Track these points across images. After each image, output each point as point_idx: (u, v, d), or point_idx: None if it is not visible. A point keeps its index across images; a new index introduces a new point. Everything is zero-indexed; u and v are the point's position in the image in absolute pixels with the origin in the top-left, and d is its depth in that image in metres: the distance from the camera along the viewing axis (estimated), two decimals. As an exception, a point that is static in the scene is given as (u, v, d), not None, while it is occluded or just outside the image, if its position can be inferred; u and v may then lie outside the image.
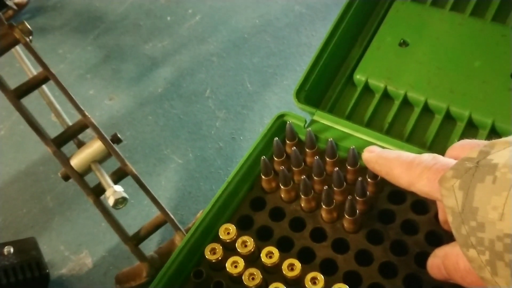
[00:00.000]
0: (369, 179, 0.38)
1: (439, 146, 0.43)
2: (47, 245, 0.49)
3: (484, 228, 0.27)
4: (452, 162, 0.31)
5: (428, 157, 0.32)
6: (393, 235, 0.37)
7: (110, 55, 0.62)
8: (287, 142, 0.42)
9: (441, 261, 0.32)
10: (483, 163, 0.28)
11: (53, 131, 0.47)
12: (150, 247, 0.47)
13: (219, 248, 0.37)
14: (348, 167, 0.39)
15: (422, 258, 0.35)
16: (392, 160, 0.34)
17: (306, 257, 0.37)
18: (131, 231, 0.45)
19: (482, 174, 0.28)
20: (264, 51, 0.59)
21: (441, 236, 0.36)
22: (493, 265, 0.27)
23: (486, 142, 0.31)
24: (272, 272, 0.37)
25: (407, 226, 0.37)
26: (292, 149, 0.40)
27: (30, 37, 0.46)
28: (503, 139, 0.29)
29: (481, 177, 0.28)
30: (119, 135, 0.45)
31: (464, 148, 0.33)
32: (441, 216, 0.36)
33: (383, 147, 0.38)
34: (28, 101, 0.46)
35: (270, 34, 0.61)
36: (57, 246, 0.49)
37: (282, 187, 0.39)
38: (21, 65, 0.51)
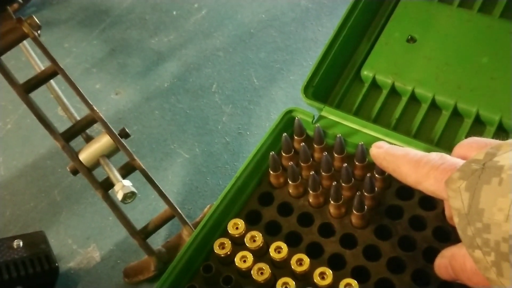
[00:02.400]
0: (376, 175, 0.39)
1: (446, 142, 0.43)
2: (54, 238, 0.49)
3: (490, 230, 0.27)
4: (460, 162, 0.31)
5: (436, 157, 0.33)
6: (401, 231, 0.37)
7: (116, 49, 0.62)
8: (295, 137, 0.42)
9: (448, 261, 0.32)
10: (489, 165, 0.29)
11: (59, 126, 0.47)
12: (157, 241, 0.47)
13: (228, 243, 0.38)
14: (356, 163, 0.40)
15: (430, 254, 0.35)
16: (399, 158, 0.34)
17: (315, 252, 0.37)
18: (138, 225, 0.45)
19: (488, 176, 0.28)
20: (270, 46, 0.59)
21: (449, 232, 0.36)
22: (499, 266, 0.27)
23: (493, 141, 0.31)
24: (280, 267, 0.37)
25: (415, 222, 0.38)
26: (301, 144, 0.40)
27: (39, 31, 0.46)
28: (510, 140, 0.29)
29: (487, 179, 0.28)
30: (127, 130, 0.45)
31: (472, 146, 0.33)
32: (447, 213, 0.36)
33: (390, 143, 0.38)
34: (34, 95, 0.46)
35: (276, 29, 0.61)
36: (65, 239, 0.49)
37: (290, 182, 0.39)
38: (27, 59, 0.51)
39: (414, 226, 0.37)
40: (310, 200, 0.39)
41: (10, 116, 0.58)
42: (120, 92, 0.59)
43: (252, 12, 0.62)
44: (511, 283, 0.27)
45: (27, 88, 0.45)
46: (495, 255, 0.27)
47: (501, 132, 0.42)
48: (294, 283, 0.35)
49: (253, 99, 0.56)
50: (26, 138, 0.56)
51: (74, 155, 0.44)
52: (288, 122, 0.43)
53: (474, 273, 0.30)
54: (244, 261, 0.37)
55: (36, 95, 0.47)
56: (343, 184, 0.39)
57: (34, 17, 0.45)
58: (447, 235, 0.36)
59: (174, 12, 0.64)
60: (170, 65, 0.60)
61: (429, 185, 0.32)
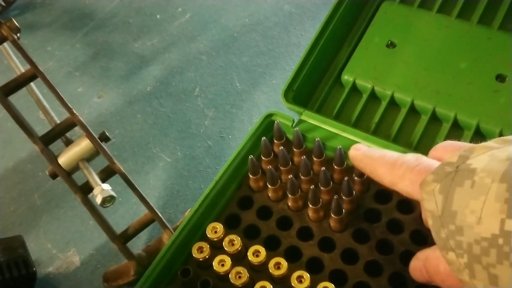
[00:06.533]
0: (355, 177, 0.39)
1: (425, 146, 0.43)
2: (34, 243, 0.49)
3: (463, 232, 0.28)
4: (435, 163, 0.31)
5: (411, 158, 0.33)
6: (378, 234, 0.37)
7: (99, 53, 0.62)
8: (275, 141, 0.42)
9: (423, 263, 0.32)
10: (462, 167, 0.29)
11: (41, 129, 0.47)
12: (138, 245, 0.47)
13: (206, 246, 0.37)
14: (335, 167, 0.40)
15: (407, 257, 0.35)
16: (376, 159, 0.35)
17: (293, 255, 0.37)
18: (119, 229, 0.45)
19: (461, 179, 0.28)
20: (253, 50, 0.60)
21: (425, 235, 0.37)
22: (471, 268, 0.27)
23: (468, 144, 0.31)
24: (258, 271, 0.37)
25: (393, 225, 0.38)
26: (280, 148, 0.40)
27: (18, 34, 0.46)
28: (483, 144, 0.30)
29: (460, 181, 0.28)
30: (107, 133, 0.45)
31: (447, 149, 0.33)
32: (424, 216, 0.37)
33: (369, 147, 0.38)
34: (16, 99, 0.46)
35: (259, 33, 0.61)
36: (45, 244, 0.49)
37: (269, 186, 0.39)
38: (8, 62, 0.51)
39: (392, 230, 0.38)
40: (289, 204, 0.39)
41: (-9, 119, 0.58)
42: (102, 96, 0.58)
43: (236, 16, 0.63)
44: (484, 285, 0.27)
45: (6, 91, 0.44)
46: (467, 257, 0.28)
47: (478, 136, 0.42)
48: (271, 286, 0.35)
49: (235, 103, 0.56)
50: (6, 141, 0.56)
51: (53, 158, 0.43)
52: (268, 126, 0.43)
53: (447, 275, 0.30)
54: (222, 265, 0.37)
55: (19, 98, 0.47)
56: (321, 188, 0.39)
57: (14, 20, 0.45)
58: (424, 239, 0.37)
59: (158, 16, 0.64)
60: (153, 68, 0.60)
61: (404, 186, 0.32)
